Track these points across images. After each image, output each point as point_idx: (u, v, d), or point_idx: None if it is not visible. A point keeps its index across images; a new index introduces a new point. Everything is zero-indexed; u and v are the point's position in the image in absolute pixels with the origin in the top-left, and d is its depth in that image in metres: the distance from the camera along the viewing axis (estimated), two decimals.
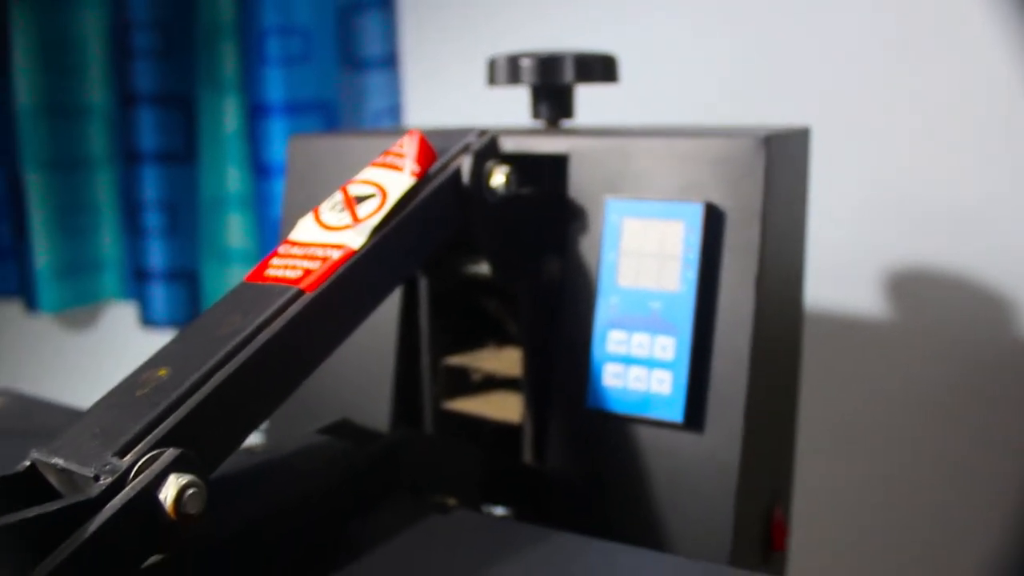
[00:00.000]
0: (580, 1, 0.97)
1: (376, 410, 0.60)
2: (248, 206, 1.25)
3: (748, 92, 0.89)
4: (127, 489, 0.33)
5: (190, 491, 0.34)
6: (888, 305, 0.85)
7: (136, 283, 1.34)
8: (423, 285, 0.60)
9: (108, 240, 1.39)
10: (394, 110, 1.17)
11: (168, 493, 0.34)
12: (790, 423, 0.63)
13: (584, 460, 0.54)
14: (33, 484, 0.35)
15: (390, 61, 1.17)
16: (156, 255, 1.31)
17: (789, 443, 0.64)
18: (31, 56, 1.32)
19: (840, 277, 0.86)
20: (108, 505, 0.32)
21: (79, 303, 1.40)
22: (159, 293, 1.31)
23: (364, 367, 0.61)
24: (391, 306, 0.61)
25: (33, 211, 1.35)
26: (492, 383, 0.62)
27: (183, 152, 1.28)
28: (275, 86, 1.18)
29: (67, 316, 1.45)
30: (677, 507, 0.52)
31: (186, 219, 1.30)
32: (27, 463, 0.36)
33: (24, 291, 1.41)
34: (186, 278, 1.31)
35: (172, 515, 0.33)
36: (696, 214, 0.50)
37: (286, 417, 0.62)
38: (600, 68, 0.62)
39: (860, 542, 0.89)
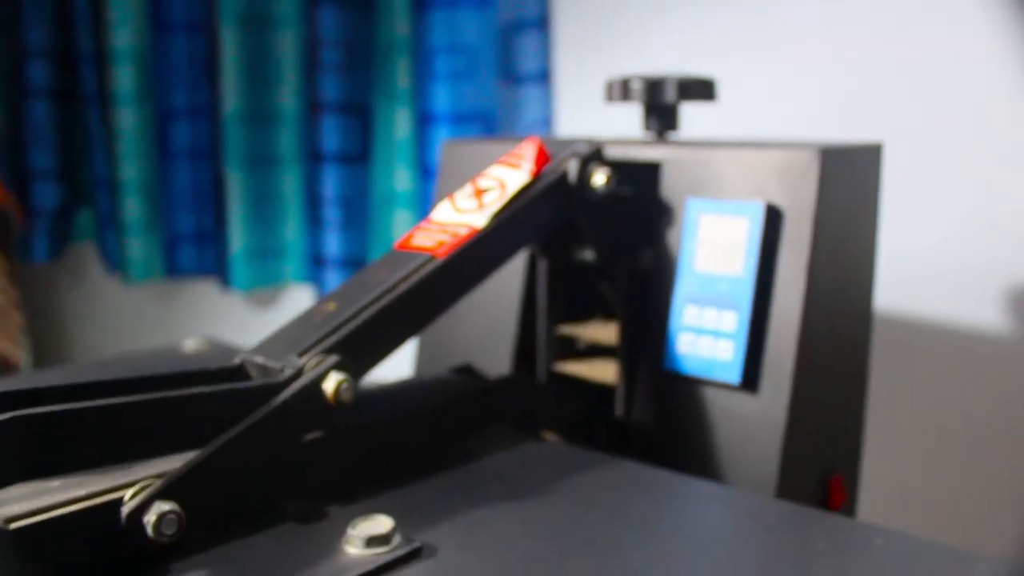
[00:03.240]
0: (710, 27, 1.08)
1: (499, 368, 0.74)
2: (413, 203, 1.40)
3: (844, 111, 0.98)
4: (302, 378, 0.48)
5: (344, 385, 0.48)
6: (979, 313, 0.93)
7: (314, 268, 1.51)
8: (542, 266, 0.73)
9: (292, 230, 1.56)
10: (546, 121, 1.29)
11: (329, 385, 0.48)
12: (854, 403, 0.72)
13: (660, 413, 0.66)
14: (240, 374, 0.50)
15: (544, 76, 1.29)
16: (332, 244, 1.47)
17: (854, 420, 0.72)
18: (237, 70, 1.50)
19: (944, 285, 0.94)
20: (289, 388, 0.47)
21: (265, 283, 1.57)
22: (333, 278, 1.47)
23: (491, 331, 0.75)
24: (515, 282, 0.74)
25: (231, 203, 1.53)
26: (595, 351, 0.75)
27: (360, 154, 1.44)
28: (442, 98, 1.33)
29: (255, 294, 1.62)
30: (732, 455, 0.62)
31: (359, 213, 1.46)
32: (237, 361, 0.51)
33: (220, 271, 1.61)
34: (357, 266, 1.47)
35: (331, 401, 0.48)
36: (758, 212, 0.61)
37: (429, 366, 0.76)
38: (699, 89, 0.73)
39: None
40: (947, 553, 0.46)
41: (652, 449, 0.66)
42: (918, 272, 0.96)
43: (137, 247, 1.67)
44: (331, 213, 1.46)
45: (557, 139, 0.68)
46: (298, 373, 0.48)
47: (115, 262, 1.73)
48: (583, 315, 0.75)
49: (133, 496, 0.42)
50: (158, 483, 0.42)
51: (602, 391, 0.72)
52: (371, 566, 0.43)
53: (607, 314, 0.75)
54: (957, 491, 0.96)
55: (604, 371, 0.72)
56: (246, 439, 0.45)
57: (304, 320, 0.52)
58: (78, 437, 0.40)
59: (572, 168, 0.63)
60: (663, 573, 0.44)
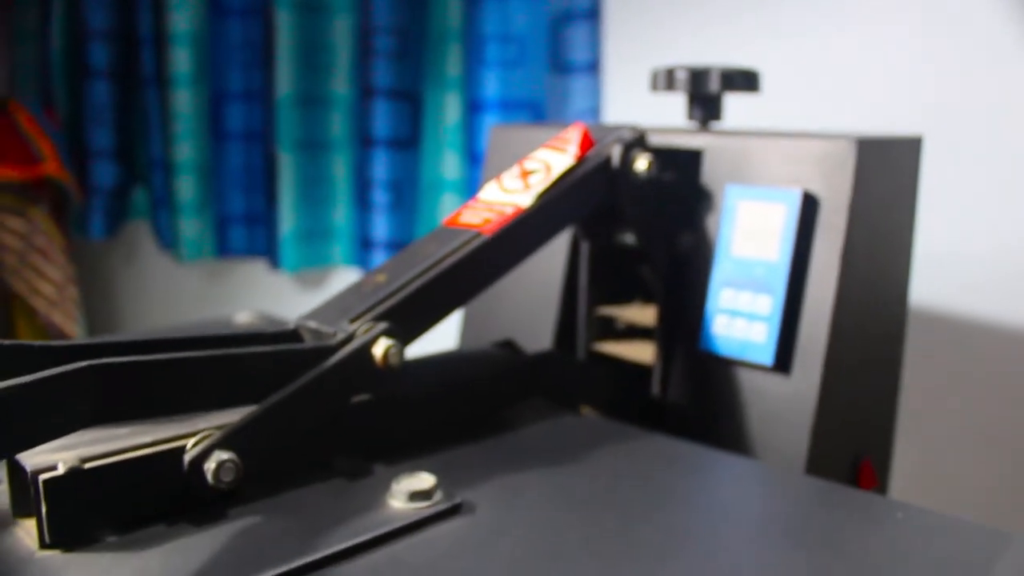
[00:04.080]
0: (758, 20, 1.09)
1: (540, 346, 0.76)
2: (461, 189, 1.43)
3: (886, 104, 0.99)
4: (353, 343, 0.50)
5: (392, 350, 0.51)
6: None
7: (361, 251, 1.54)
8: (584, 249, 0.75)
9: (341, 213, 1.60)
10: (594, 111, 1.31)
11: (378, 350, 0.51)
12: (887, 389, 0.73)
13: (694, 393, 0.68)
14: (295, 338, 0.53)
15: (593, 67, 1.31)
16: (380, 227, 1.49)
17: (886, 407, 0.74)
18: (291, 55, 1.53)
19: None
20: (340, 351, 0.50)
21: (313, 265, 1.61)
22: (380, 261, 1.50)
23: (534, 311, 0.77)
24: (558, 264, 0.76)
25: (283, 185, 1.57)
26: (633, 331, 0.77)
27: (409, 139, 1.47)
28: (492, 86, 1.35)
29: (303, 275, 1.66)
30: (764, 435, 0.64)
31: (408, 198, 1.49)
32: (292, 326, 0.54)
33: (270, 252, 1.65)
34: None
35: (380, 364, 0.50)
36: (795, 199, 0.63)
37: (472, 343, 0.79)
38: (742, 80, 0.75)
39: None
40: (973, 529, 0.47)
41: (686, 427, 0.68)
42: (960, 270, 0.96)
43: (190, 227, 1.71)
44: (380, 197, 1.48)
45: (602, 125, 0.70)
46: (349, 338, 0.51)
47: (168, 241, 1.78)
48: (623, 297, 0.77)
49: (195, 445, 0.45)
50: (218, 434, 0.45)
51: (639, 371, 0.74)
52: (413, 518, 0.46)
53: (646, 297, 0.77)
54: (992, 487, 0.97)
55: (641, 352, 0.74)
56: (299, 397, 0.48)
57: (355, 290, 0.55)
58: (146, 388, 0.44)
59: (615, 153, 0.65)
60: (692, 537, 0.46)
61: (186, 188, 1.70)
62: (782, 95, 1.02)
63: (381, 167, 1.47)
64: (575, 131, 0.65)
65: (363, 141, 1.50)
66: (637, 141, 0.67)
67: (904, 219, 0.71)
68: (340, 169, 1.59)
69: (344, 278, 1.63)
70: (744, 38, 1.11)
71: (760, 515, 0.50)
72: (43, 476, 0.41)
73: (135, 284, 1.97)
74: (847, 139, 0.63)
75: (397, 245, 1.49)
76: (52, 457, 0.42)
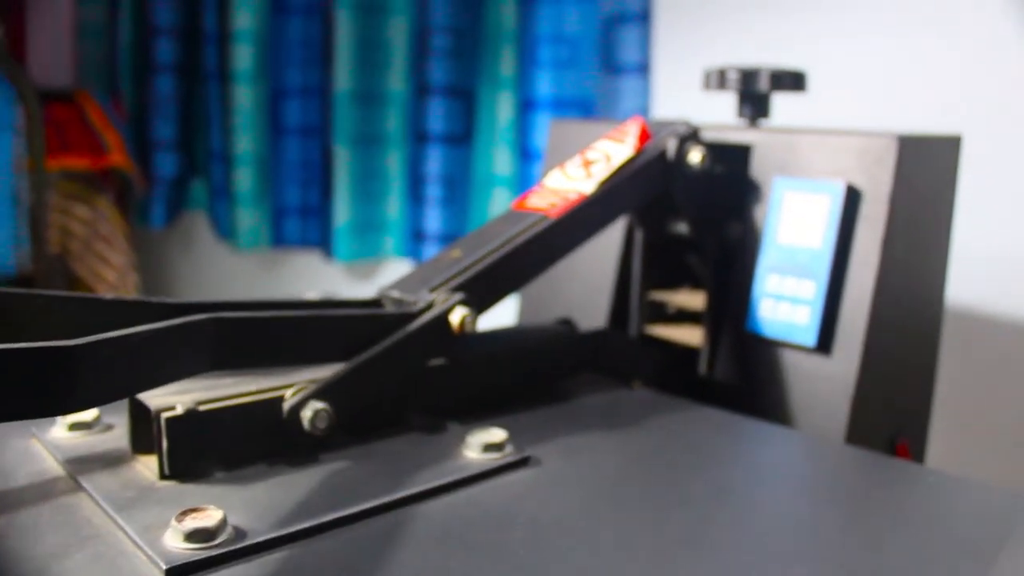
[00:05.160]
0: (810, 26, 1.13)
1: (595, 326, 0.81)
2: (512, 185, 1.48)
3: (930, 104, 1.02)
4: (433, 310, 0.55)
5: (468, 318, 0.56)
6: None
7: (414, 243, 1.60)
8: (638, 237, 0.80)
9: (394, 206, 1.65)
10: (643, 111, 1.35)
11: (455, 317, 0.56)
12: (924, 375, 0.77)
13: (740, 372, 0.72)
14: (378, 306, 0.59)
15: (643, 68, 1.35)
16: (433, 220, 1.55)
17: (923, 391, 0.77)
18: (350, 52, 1.59)
19: None
20: (421, 317, 0.55)
21: (366, 256, 1.67)
22: (432, 253, 1.56)
23: (589, 294, 0.82)
24: (613, 250, 0.81)
25: (338, 178, 1.63)
26: (682, 316, 0.81)
27: (463, 136, 1.52)
28: (544, 85, 1.40)
29: (355, 266, 1.72)
30: (805, 413, 0.68)
31: (460, 192, 1.54)
32: (376, 295, 0.59)
33: (324, 243, 1.71)
34: None
35: (457, 330, 0.55)
36: (839, 191, 0.67)
37: (534, 317, 0.84)
38: (790, 80, 0.79)
39: None
40: (1001, 493, 0.51)
41: (731, 404, 0.72)
42: (1000, 268, 1.00)
43: (247, 217, 1.77)
44: (433, 191, 1.54)
45: (658, 120, 0.75)
46: (429, 306, 0.56)
47: (225, 231, 1.84)
48: (673, 283, 0.82)
49: (293, 395, 0.50)
50: (313, 386, 0.51)
51: (687, 351, 0.78)
52: (487, 467, 0.50)
53: (695, 283, 0.82)
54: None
55: (689, 335, 0.79)
56: (385, 357, 0.53)
57: (433, 263, 0.60)
58: (258, 340, 0.49)
59: (671, 146, 0.70)
60: (739, 492, 0.50)
61: (244, 180, 1.76)
62: (825, 95, 1.05)
63: (435, 162, 1.53)
64: (634, 124, 0.70)
65: (417, 137, 1.55)
66: (691, 135, 0.72)
67: (942, 214, 0.75)
68: (394, 164, 1.64)
69: (396, 269, 1.68)
70: (788, 41, 1.15)
71: (801, 475, 0.54)
72: (165, 414, 0.46)
73: (192, 272, 2.04)
74: (889, 136, 0.67)
75: (449, 238, 1.54)
76: (171, 399, 0.47)
